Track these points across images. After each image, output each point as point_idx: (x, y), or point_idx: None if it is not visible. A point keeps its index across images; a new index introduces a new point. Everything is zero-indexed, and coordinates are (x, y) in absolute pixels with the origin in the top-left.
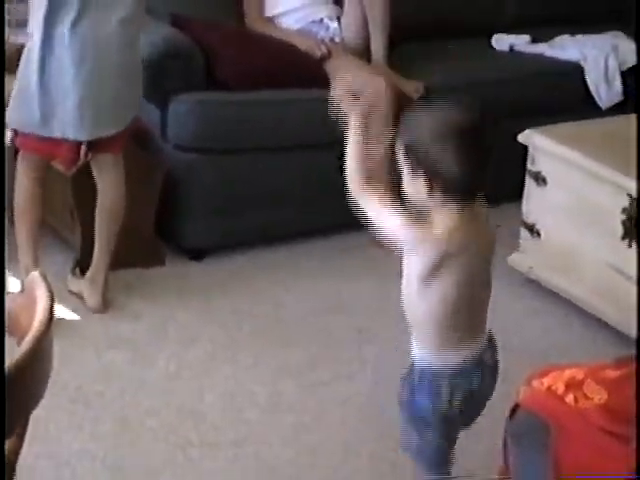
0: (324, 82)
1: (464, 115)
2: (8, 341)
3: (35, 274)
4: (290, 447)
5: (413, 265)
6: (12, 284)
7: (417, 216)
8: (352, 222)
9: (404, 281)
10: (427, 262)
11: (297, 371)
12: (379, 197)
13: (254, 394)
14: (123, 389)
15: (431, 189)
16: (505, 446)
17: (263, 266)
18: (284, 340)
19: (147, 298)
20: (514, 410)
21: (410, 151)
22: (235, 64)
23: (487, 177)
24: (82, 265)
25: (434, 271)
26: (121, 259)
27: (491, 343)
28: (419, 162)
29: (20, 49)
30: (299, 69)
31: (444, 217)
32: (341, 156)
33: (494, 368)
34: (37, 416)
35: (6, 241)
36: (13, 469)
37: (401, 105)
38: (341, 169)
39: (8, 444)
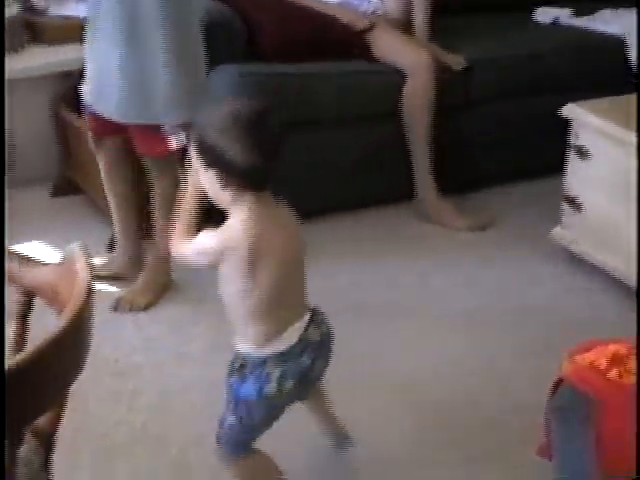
0: (365, 55)
1: (245, 106)
2: (48, 312)
3: (75, 245)
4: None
5: (228, 266)
6: (51, 256)
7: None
8: (398, 196)
9: (222, 281)
10: (239, 260)
11: None
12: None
13: None
14: (162, 362)
15: (224, 184)
16: (547, 421)
17: (319, 239)
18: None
19: (188, 271)
20: (557, 385)
21: (200, 148)
22: (277, 35)
23: (275, 167)
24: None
25: (249, 266)
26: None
27: (314, 318)
28: (209, 157)
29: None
30: (340, 41)
31: (240, 211)
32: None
33: (322, 342)
34: (76, 389)
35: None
36: (53, 442)
37: (444, 78)
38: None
39: (48, 417)
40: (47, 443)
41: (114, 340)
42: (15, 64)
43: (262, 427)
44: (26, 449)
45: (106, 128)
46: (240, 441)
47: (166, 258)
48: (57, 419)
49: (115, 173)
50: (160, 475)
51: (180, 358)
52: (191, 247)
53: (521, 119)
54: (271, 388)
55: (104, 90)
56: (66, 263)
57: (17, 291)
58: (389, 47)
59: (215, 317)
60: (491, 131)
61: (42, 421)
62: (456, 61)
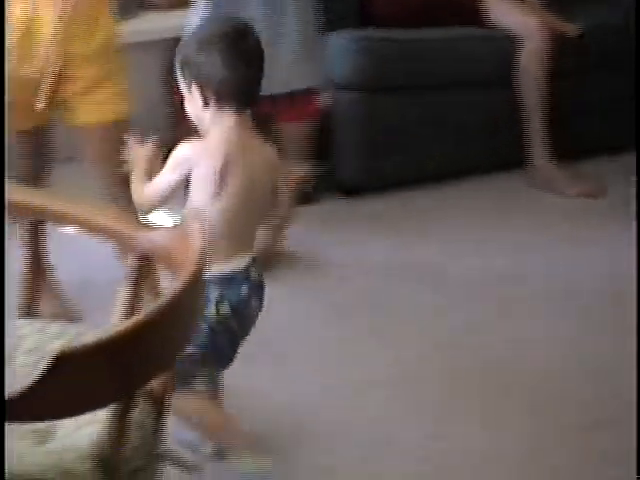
0: (480, 20)
1: (224, 22)
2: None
3: (192, 210)
4: None
5: (198, 182)
6: (165, 220)
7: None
8: (510, 163)
9: (189, 199)
10: (211, 174)
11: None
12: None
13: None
14: (275, 324)
15: (205, 101)
16: None
17: (412, 208)
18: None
19: (295, 236)
20: None
21: (183, 67)
22: (390, 1)
23: (256, 83)
24: None
25: (219, 183)
26: None
27: (255, 262)
28: (191, 72)
29: None
30: (455, 7)
31: (220, 128)
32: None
33: (260, 287)
34: None
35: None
36: (165, 405)
37: (558, 45)
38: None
39: (160, 381)
40: (160, 406)
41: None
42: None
43: (204, 360)
44: (139, 411)
45: None
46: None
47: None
48: (170, 383)
49: None
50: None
51: (293, 322)
52: (167, 164)
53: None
54: (209, 310)
55: None
56: (180, 227)
57: (132, 255)
58: (504, 13)
59: (326, 279)
60: (604, 98)
61: (155, 384)
62: (571, 28)
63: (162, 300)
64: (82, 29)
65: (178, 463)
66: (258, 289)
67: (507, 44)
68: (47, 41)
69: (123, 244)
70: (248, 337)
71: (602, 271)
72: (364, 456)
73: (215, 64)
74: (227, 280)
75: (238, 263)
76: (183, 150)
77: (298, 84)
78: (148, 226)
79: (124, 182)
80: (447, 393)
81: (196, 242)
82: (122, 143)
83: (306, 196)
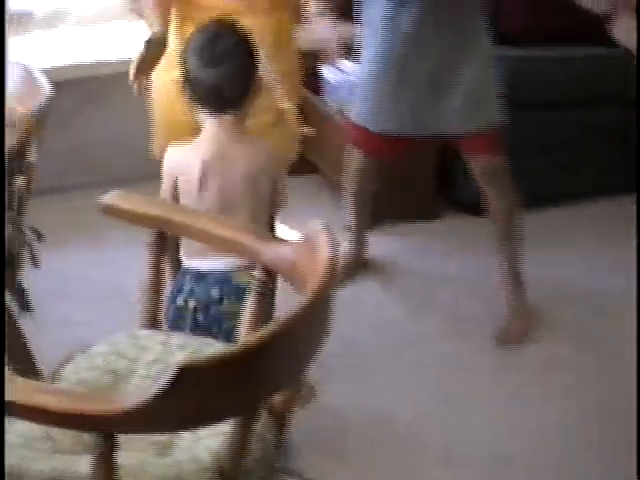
0: (606, 40)
1: (203, 31)
2: (289, 289)
3: (317, 224)
4: None
5: (182, 188)
6: (288, 233)
7: None
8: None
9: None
10: (191, 181)
11: None
12: None
13: None
14: (396, 342)
15: (191, 104)
16: None
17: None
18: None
19: (417, 253)
20: None
21: (180, 71)
22: (520, 21)
23: (230, 85)
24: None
25: (198, 188)
26: (398, 212)
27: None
28: (182, 78)
29: None
30: (582, 27)
31: (202, 132)
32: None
33: (242, 292)
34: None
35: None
36: (287, 421)
37: None
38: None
39: (284, 396)
40: (281, 421)
41: (353, 319)
42: None
43: None
44: (261, 425)
45: (378, 146)
46: None
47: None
48: (293, 398)
49: (365, 183)
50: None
51: (413, 338)
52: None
53: None
54: (179, 299)
55: (403, 105)
56: (307, 241)
57: (257, 268)
58: (630, 33)
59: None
60: None
61: (277, 398)
62: None
63: (289, 314)
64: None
65: (297, 477)
66: (237, 294)
67: (632, 63)
68: None
69: (248, 256)
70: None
71: None
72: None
73: (193, 70)
74: (199, 277)
75: (213, 264)
76: (166, 160)
77: (477, 123)
78: (275, 239)
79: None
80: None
81: (324, 256)
82: None
83: (430, 212)
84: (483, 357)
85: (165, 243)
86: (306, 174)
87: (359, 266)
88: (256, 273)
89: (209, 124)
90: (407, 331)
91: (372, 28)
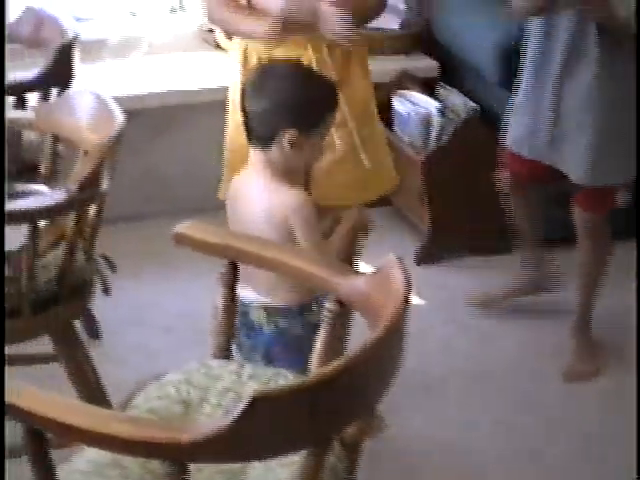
0: None
1: (266, 65)
2: (362, 321)
3: (391, 257)
4: None
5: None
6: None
7: None
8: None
9: None
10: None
11: None
12: None
13: None
14: (465, 374)
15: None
16: None
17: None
18: None
19: (489, 284)
20: None
21: None
22: None
23: (268, 123)
24: (426, 252)
25: (230, 213)
26: (476, 245)
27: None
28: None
29: None
30: None
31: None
32: None
33: (251, 329)
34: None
35: None
36: (359, 451)
37: None
38: None
39: (356, 426)
40: (353, 452)
41: (419, 350)
42: None
43: None
44: (332, 456)
45: (534, 174)
46: None
47: None
48: (365, 429)
49: (534, 215)
50: None
51: (481, 371)
52: None
53: None
54: None
55: (557, 135)
56: (381, 274)
57: (329, 300)
58: None
59: (520, 330)
60: None
61: (350, 431)
62: None
63: (362, 346)
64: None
65: None
66: (249, 330)
67: None
68: None
69: (323, 288)
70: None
71: None
72: None
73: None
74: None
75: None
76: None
77: (602, 180)
78: (350, 271)
79: None
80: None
81: (397, 289)
82: None
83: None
84: (550, 392)
85: (237, 273)
86: (378, 206)
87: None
88: (329, 305)
89: (250, 155)
90: (476, 363)
91: (528, 58)
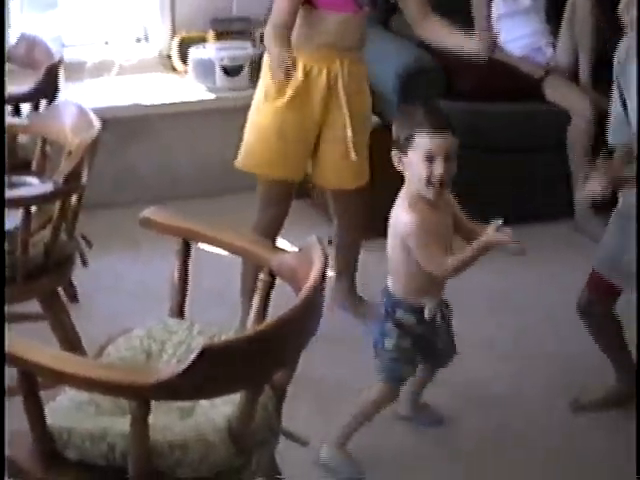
0: (540, 98)
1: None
2: (287, 289)
3: (313, 238)
4: None
5: None
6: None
7: None
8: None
9: None
10: None
11: None
12: None
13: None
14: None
15: None
16: None
17: None
18: None
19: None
20: None
21: None
22: (469, 79)
23: None
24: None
25: None
26: (371, 230)
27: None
28: None
29: None
30: (521, 86)
31: None
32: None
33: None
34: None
35: None
36: (284, 392)
37: (602, 120)
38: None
39: (282, 373)
40: (280, 393)
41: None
42: None
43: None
44: (264, 396)
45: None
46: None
47: None
48: (290, 375)
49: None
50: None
51: None
52: None
53: None
54: None
55: None
56: (304, 251)
57: (264, 272)
58: (559, 93)
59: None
60: None
61: (278, 375)
62: None
63: (289, 310)
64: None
65: (292, 438)
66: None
67: (562, 118)
68: None
69: (258, 262)
70: None
71: None
72: None
73: None
74: None
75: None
76: None
77: None
78: (278, 249)
79: None
80: None
81: (317, 264)
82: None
83: None
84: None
85: (190, 250)
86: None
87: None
88: (263, 275)
89: None
90: None
91: None
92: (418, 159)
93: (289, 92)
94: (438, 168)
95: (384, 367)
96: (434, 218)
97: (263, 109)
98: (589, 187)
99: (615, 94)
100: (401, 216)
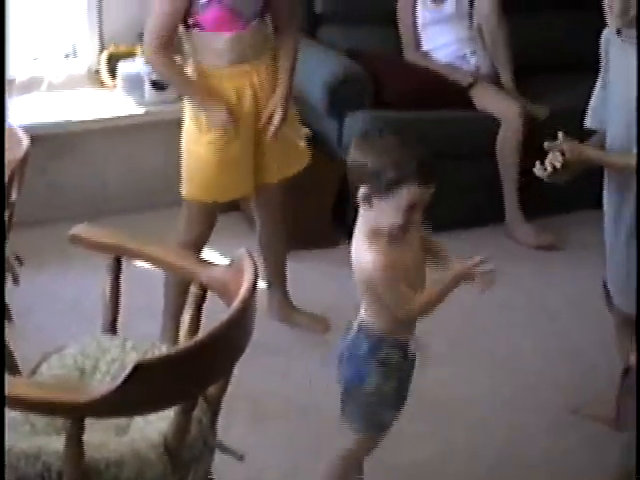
0: (467, 105)
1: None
2: (219, 303)
3: (243, 251)
4: None
5: None
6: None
7: None
8: (482, 220)
9: None
10: None
11: None
12: None
13: None
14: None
15: None
16: (618, 402)
17: None
18: None
19: (320, 275)
20: (626, 372)
21: None
22: (398, 88)
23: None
24: None
25: None
26: (303, 241)
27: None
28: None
29: None
30: (448, 94)
31: None
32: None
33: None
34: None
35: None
36: (219, 406)
37: (531, 125)
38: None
39: (216, 386)
40: (214, 406)
41: (268, 326)
42: None
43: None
44: (198, 411)
45: None
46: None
47: None
48: (224, 388)
49: None
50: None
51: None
52: None
53: None
54: None
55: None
56: (235, 265)
57: (194, 286)
58: (487, 100)
59: None
60: None
61: (211, 389)
62: (541, 111)
63: (219, 323)
64: None
65: (228, 452)
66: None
67: (490, 124)
68: None
69: (188, 277)
70: None
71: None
72: None
73: None
74: None
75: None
76: None
77: None
78: (208, 263)
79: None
80: None
81: (248, 276)
82: None
83: (330, 241)
84: None
85: (121, 266)
86: (232, 211)
87: None
88: (193, 289)
89: None
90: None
91: None
92: (398, 206)
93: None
94: (416, 216)
95: (361, 413)
96: (397, 252)
97: (200, 140)
98: (548, 158)
99: (600, 74)
100: (364, 255)
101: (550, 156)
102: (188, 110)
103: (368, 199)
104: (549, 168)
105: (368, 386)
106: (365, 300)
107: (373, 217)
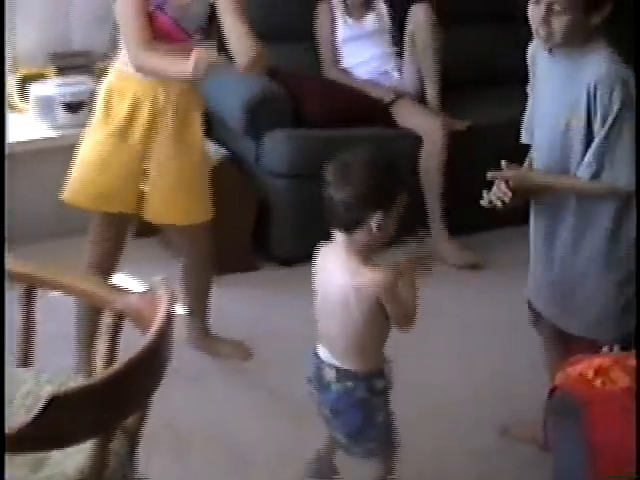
0: (388, 122)
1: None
2: (134, 332)
3: (158, 279)
4: None
5: None
6: (135, 286)
7: None
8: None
9: None
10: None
11: None
12: None
13: None
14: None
15: None
16: (545, 423)
17: None
18: None
19: (240, 300)
20: (552, 392)
21: None
22: (317, 106)
23: (350, 208)
24: None
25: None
26: (221, 265)
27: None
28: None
29: None
30: (369, 111)
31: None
32: None
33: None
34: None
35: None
36: (138, 437)
37: (452, 143)
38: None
39: (134, 417)
40: (133, 438)
41: (187, 353)
42: None
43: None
44: (116, 443)
45: None
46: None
47: None
48: (142, 419)
49: None
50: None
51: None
52: None
53: None
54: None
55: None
56: (151, 293)
57: (109, 314)
58: (409, 116)
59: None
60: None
61: (129, 421)
62: (461, 124)
63: (135, 353)
64: None
65: None
66: (320, 385)
67: (412, 142)
68: None
69: (102, 305)
70: None
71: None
72: None
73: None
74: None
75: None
76: None
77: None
78: (123, 290)
79: None
80: None
81: (163, 305)
82: None
83: (252, 265)
84: None
85: (34, 296)
86: (150, 236)
87: None
88: (107, 317)
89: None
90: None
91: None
92: (395, 218)
93: (114, 122)
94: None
95: (381, 442)
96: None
97: (90, 136)
98: (494, 192)
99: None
100: (366, 275)
101: (494, 189)
102: (98, 100)
103: (383, 221)
104: (498, 204)
105: (379, 418)
106: (357, 337)
107: (365, 236)
